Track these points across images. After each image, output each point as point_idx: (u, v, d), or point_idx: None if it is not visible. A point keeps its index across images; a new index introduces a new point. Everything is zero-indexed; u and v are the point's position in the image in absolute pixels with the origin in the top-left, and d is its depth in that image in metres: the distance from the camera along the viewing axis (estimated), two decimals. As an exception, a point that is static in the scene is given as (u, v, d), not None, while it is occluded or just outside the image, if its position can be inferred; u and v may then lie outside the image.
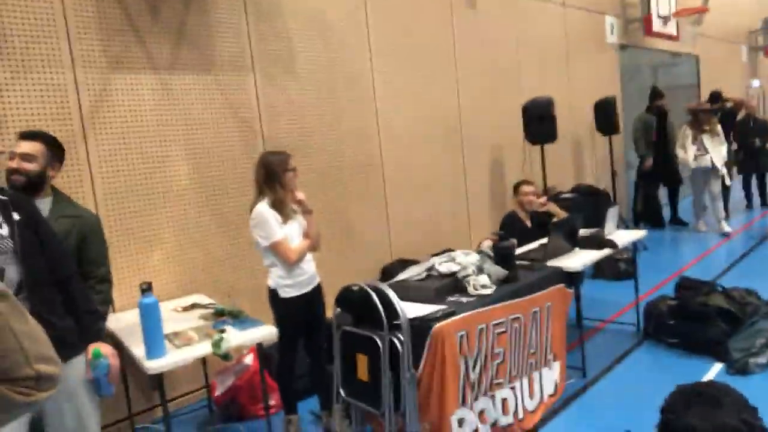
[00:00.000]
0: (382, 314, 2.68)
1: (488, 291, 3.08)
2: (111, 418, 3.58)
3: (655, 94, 8.13)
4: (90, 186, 3.50)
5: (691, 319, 4.01)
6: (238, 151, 4.21)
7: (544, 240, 3.97)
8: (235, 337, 2.83)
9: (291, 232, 3.10)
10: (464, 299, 3.03)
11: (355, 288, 2.85)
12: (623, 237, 4.33)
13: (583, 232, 4.46)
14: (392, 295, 2.70)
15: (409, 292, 3.12)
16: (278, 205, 3.06)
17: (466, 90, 6.12)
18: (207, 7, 4.03)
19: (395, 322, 2.69)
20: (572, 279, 3.65)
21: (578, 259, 3.75)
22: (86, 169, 3.49)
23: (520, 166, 6.53)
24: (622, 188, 8.63)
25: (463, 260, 3.22)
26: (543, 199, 4.74)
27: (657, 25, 9.04)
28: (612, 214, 4.39)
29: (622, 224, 7.41)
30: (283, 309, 3.14)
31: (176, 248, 3.88)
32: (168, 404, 3.64)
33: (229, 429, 3.59)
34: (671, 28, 9.59)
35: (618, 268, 5.91)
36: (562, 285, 3.54)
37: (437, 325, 2.73)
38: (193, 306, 3.47)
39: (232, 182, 4.17)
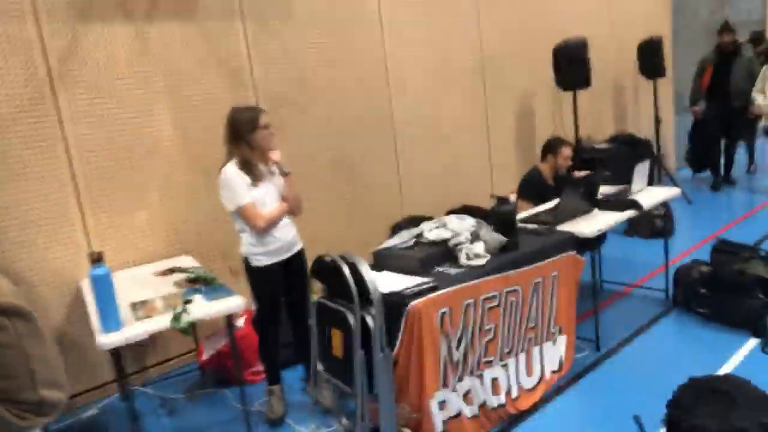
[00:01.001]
0: (353, 288, 2.41)
1: (481, 261, 2.76)
2: (99, 380, 3.51)
3: (721, 29, 6.81)
4: (63, 145, 3.30)
5: (725, 289, 3.57)
6: (228, 104, 3.88)
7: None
8: (200, 308, 2.63)
9: (263, 196, 2.83)
10: (453, 270, 2.72)
11: (328, 259, 2.58)
12: (653, 195, 3.87)
13: (606, 189, 4.03)
14: (364, 268, 2.42)
15: (393, 262, 2.84)
16: (246, 166, 2.78)
17: (489, 28, 5.58)
18: (188, -55, 3.68)
19: (370, 297, 2.42)
20: (586, 245, 3.28)
21: (594, 223, 3.35)
22: (57, 128, 3.28)
23: (552, 115, 6.02)
24: (669, 137, 7.95)
25: (456, 226, 2.89)
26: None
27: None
28: (641, 170, 3.92)
29: (667, 177, 6.86)
30: (256, 278, 2.92)
31: (162, 207, 3.69)
32: (159, 366, 3.53)
33: (215, 394, 3.46)
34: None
35: (654, 225, 5.42)
36: (572, 252, 3.17)
37: (414, 302, 2.44)
38: (172, 270, 3.29)
39: (222, 137, 3.90)
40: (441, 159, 5.28)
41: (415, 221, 4.88)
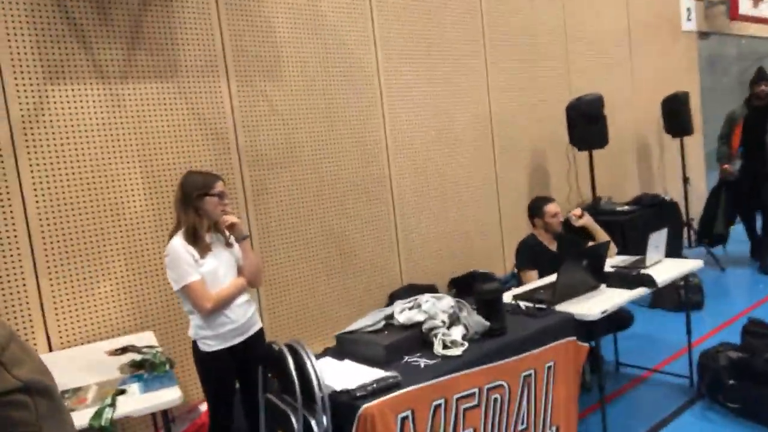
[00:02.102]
0: (296, 385, 2.06)
1: (457, 351, 2.38)
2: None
3: (755, 78, 5.95)
4: (21, 205, 3.10)
5: (758, 381, 3.08)
6: (209, 166, 3.69)
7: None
8: (131, 402, 2.31)
9: (215, 268, 2.54)
10: (423, 362, 2.35)
11: (276, 347, 2.25)
12: (671, 269, 3.44)
13: (618, 260, 3.62)
14: (308, 362, 2.08)
15: (356, 348, 2.48)
16: (192, 236, 2.51)
17: (499, 85, 5.34)
18: (168, 4, 3.56)
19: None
20: (590, 329, 2.86)
21: (600, 302, 2.94)
22: (16, 186, 3.08)
23: (567, 175, 5.66)
24: (698, 198, 7.45)
25: (430, 307, 2.52)
26: (577, 211, 3.88)
27: (745, 7, 7.76)
28: (656, 240, 3.51)
29: (697, 243, 6.34)
30: (204, 366, 2.59)
31: (128, 278, 3.43)
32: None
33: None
34: (765, 11, 8.25)
35: (680, 297, 4.91)
36: (572, 338, 2.76)
37: (367, 405, 2.06)
38: (125, 350, 2.99)
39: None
40: (445, 224, 4.95)
41: (414, 291, 4.55)
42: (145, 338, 3.20)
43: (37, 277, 3.15)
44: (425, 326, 2.49)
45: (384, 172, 4.56)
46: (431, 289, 4.65)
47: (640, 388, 3.67)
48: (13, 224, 3.07)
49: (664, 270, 3.39)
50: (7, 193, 3.06)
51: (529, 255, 3.74)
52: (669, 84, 6.79)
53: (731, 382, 3.18)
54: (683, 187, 6.47)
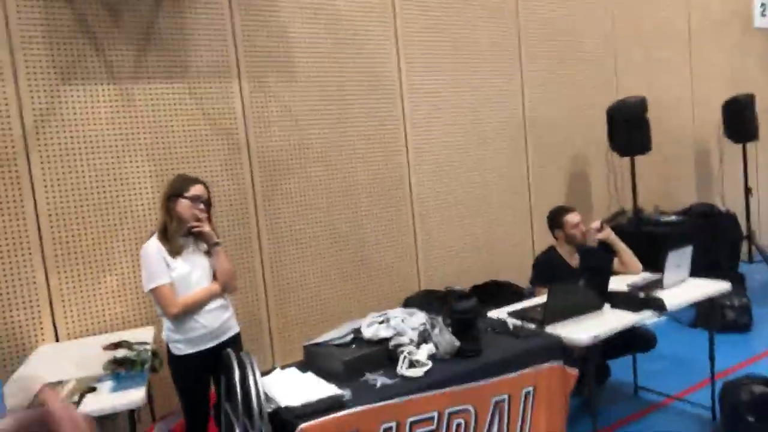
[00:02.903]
0: (239, 399, 2.02)
1: (418, 372, 2.26)
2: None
3: None
4: (32, 202, 3.24)
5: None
6: (218, 167, 3.74)
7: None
8: (97, 400, 2.36)
9: (188, 273, 2.55)
10: (382, 381, 2.25)
11: (226, 357, 2.22)
12: (692, 291, 3.15)
13: (637, 278, 3.36)
14: (252, 376, 2.03)
15: (319, 362, 2.41)
16: (165, 236, 2.53)
17: (535, 85, 5.09)
18: (181, 6, 3.61)
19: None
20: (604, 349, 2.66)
21: (596, 326, 2.72)
22: (27, 184, 3.23)
23: (608, 182, 5.34)
24: (765, 209, 6.85)
25: (399, 324, 2.42)
26: (596, 224, 3.62)
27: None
28: (678, 258, 3.22)
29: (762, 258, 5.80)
30: (176, 370, 2.61)
31: (133, 275, 3.50)
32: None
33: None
34: None
35: (724, 316, 4.52)
36: (558, 363, 2.57)
37: (306, 424, 1.99)
38: (119, 345, 3.06)
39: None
40: (469, 230, 4.78)
41: (430, 297, 4.43)
42: (145, 334, 3.28)
43: (46, 271, 3.29)
44: (392, 343, 2.39)
45: (403, 175, 4.46)
46: (449, 295, 4.51)
47: (656, 416, 3.39)
48: (24, 221, 3.22)
49: (684, 292, 3.11)
50: (19, 191, 3.21)
51: (546, 270, 3.51)
52: (738, 85, 6.25)
53: (750, 419, 2.87)
54: (745, 197, 5.94)
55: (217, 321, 2.61)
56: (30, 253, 3.24)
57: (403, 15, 4.42)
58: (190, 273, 2.55)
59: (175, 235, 2.52)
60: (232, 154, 3.79)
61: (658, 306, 2.84)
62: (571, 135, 5.31)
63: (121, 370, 2.68)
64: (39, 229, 3.26)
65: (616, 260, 3.54)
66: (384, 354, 2.38)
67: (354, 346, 2.45)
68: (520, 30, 4.99)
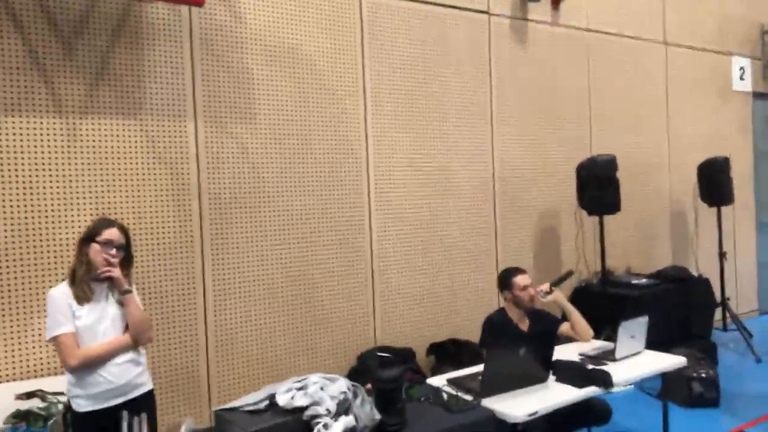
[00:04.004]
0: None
1: (330, 448, 2.09)
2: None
3: None
4: (-39, 241, 3.10)
5: None
6: (165, 209, 3.61)
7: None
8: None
9: (94, 323, 2.38)
10: (290, 455, 2.07)
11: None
12: (645, 364, 2.99)
13: (589, 347, 3.21)
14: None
15: (229, 429, 2.24)
16: (74, 281, 2.40)
17: (507, 140, 5.03)
18: (139, 43, 3.55)
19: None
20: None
21: (536, 401, 2.55)
22: (-43, 222, 3.10)
23: (577, 241, 5.23)
24: (745, 273, 6.74)
25: (316, 392, 2.25)
26: (544, 287, 3.47)
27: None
28: (630, 328, 3.08)
29: (736, 326, 5.63)
30: (75, 426, 2.41)
31: (64, 316, 3.35)
32: None
33: None
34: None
35: (692, 391, 4.34)
36: (490, 440, 2.39)
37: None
38: (32, 395, 2.88)
39: (152, 246, 3.57)
40: (431, 283, 4.64)
41: (386, 352, 4.25)
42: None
43: (-29, 312, 3.13)
44: (307, 413, 2.22)
45: (364, 222, 4.34)
46: (406, 353, 4.34)
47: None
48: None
49: (637, 365, 2.96)
50: (-53, 225, 3.07)
51: (494, 332, 3.36)
52: (715, 146, 6.23)
53: None
54: (719, 261, 5.83)
55: (124, 377, 2.42)
56: (-45, 292, 3.08)
57: (372, 66, 4.38)
58: (97, 323, 2.39)
59: (82, 280, 2.38)
60: (182, 195, 3.67)
61: (604, 381, 2.68)
62: (542, 192, 5.24)
63: (21, 425, 2.51)
64: (-34, 265, 3.11)
65: (567, 325, 3.39)
66: (297, 425, 2.21)
67: (269, 413, 2.28)
68: (492, 86, 4.96)
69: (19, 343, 3.20)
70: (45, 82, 3.31)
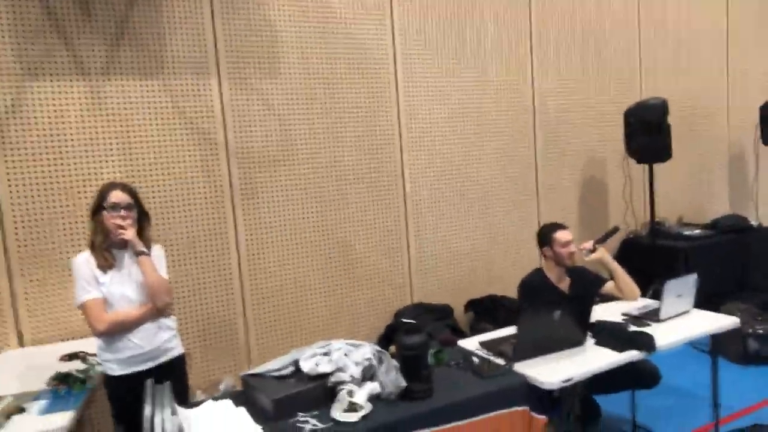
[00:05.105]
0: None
1: (352, 417, 2.03)
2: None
3: None
4: (-4, 210, 3.14)
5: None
6: (193, 167, 3.58)
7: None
8: (19, 424, 2.22)
9: (122, 288, 2.38)
10: (312, 425, 2.03)
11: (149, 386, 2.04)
12: (694, 325, 2.81)
13: (634, 306, 3.04)
14: (159, 412, 1.85)
15: (254, 396, 2.22)
16: (94, 249, 2.38)
17: (549, 78, 4.73)
18: (157, 0, 3.44)
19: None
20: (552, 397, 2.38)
21: (572, 366, 2.43)
22: (-9, 188, 3.14)
23: (624, 191, 4.96)
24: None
25: (341, 357, 2.19)
26: (588, 244, 3.27)
27: None
28: (677, 287, 2.88)
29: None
30: (110, 391, 2.46)
31: (100, 279, 3.39)
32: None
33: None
34: None
35: (746, 347, 4.12)
36: (524, 408, 2.30)
37: (211, 475, 1.80)
38: (74, 356, 2.94)
39: (182, 204, 3.56)
40: (469, 237, 4.50)
41: (422, 310, 4.18)
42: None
43: (10, 275, 3.19)
44: (332, 379, 2.17)
45: (397, 174, 4.20)
46: (444, 309, 4.27)
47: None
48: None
49: (684, 326, 2.77)
50: (-18, 193, 3.11)
51: (531, 297, 3.18)
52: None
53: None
54: (782, 209, 5.45)
55: (153, 341, 2.42)
56: (-7, 259, 3.15)
57: (400, 7, 4.15)
58: (122, 288, 2.38)
59: (101, 248, 2.36)
60: (209, 152, 3.62)
61: (647, 345, 2.52)
62: (590, 136, 4.95)
63: (62, 387, 2.56)
64: (3, 232, 3.16)
65: (612, 284, 3.21)
66: (322, 392, 2.16)
67: (293, 379, 2.24)
68: (532, 21, 4.63)
69: (62, 305, 3.28)
70: (66, 45, 3.25)
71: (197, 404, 2.25)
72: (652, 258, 4.47)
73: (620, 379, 2.95)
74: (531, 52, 4.65)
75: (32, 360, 2.96)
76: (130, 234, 2.35)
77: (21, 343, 3.24)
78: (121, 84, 3.39)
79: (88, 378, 2.60)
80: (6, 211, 3.16)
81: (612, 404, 3.36)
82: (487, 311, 4.28)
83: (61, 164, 3.27)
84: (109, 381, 2.44)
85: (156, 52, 3.45)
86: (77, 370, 2.64)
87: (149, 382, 2.07)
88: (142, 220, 2.47)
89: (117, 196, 2.36)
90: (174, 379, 2.39)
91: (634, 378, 3.10)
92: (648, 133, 4.45)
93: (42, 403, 2.39)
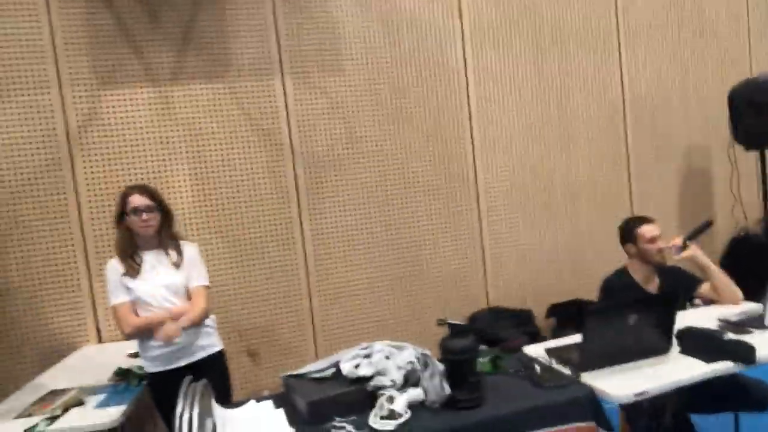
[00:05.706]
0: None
1: (388, 425, 1.88)
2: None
3: None
4: (76, 210, 3.32)
5: None
6: (259, 168, 3.59)
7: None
8: (75, 417, 2.29)
9: (149, 291, 2.41)
10: (347, 431, 1.90)
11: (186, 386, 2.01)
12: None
13: (735, 311, 2.64)
14: (189, 410, 1.80)
15: (294, 397, 2.12)
16: (121, 255, 2.43)
17: (638, 61, 4.32)
18: (221, 3, 3.48)
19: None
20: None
21: (650, 379, 2.11)
22: (72, 195, 3.31)
23: (731, 182, 4.42)
24: None
25: (382, 361, 2.04)
26: (677, 241, 2.88)
27: None
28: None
29: None
30: (150, 386, 2.49)
31: (171, 279, 3.48)
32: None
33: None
34: None
35: None
36: (589, 424, 2.03)
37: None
38: (138, 354, 3.01)
39: (250, 205, 3.58)
40: (550, 238, 4.19)
41: (498, 316, 3.94)
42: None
43: (90, 275, 3.36)
44: (371, 384, 2.03)
45: (469, 171, 4.00)
46: (524, 315, 3.99)
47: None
48: (69, 229, 3.30)
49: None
50: (64, 195, 3.29)
51: (609, 298, 2.86)
52: None
53: None
54: None
55: (188, 339, 2.43)
56: (75, 258, 3.32)
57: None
58: (152, 291, 2.41)
59: (127, 255, 2.41)
60: (275, 153, 3.62)
61: (744, 356, 2.15)
62: (690, 122, 4.46)
63: (122, 382, 2.63)
64: (83, 233, 3.33)
65: (708, 285, 2.81)
66: (361, 396, 2.03)
67: (333, 382, 2.12)
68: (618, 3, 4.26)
69: (134, 305, 3.40)
70: (135, 53, 3.38)
71: (239, 404, 2.20)
72: (765, 258, 3.92)
73: (722, 397, 2.57)
74: (617, 28, 4.26)
75: (105, 356, 3.08)
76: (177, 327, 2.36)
77: (99, 340, 3.39)
78: (187, 89, 3.47)
79: (145, 375, 2.65)
80: (85, 214, 3.33)
81: (713, 426, 2.94)
82: (570, 317, 3.95)
83: (135, 167, 3.39)
84: (150, 378, 2.48)
85: (220, 54, 3.51)
86: (138, 367, 2.70)
87: (186, 380, 2.04)
88: (167, 219, 2.48)
89: (136, 200, 2.39)
90: (214, 376, 2.37)
91: (739, 398, 2.67)
92: (758, 115, 3.92)
93: (100, 396, 2.47)
